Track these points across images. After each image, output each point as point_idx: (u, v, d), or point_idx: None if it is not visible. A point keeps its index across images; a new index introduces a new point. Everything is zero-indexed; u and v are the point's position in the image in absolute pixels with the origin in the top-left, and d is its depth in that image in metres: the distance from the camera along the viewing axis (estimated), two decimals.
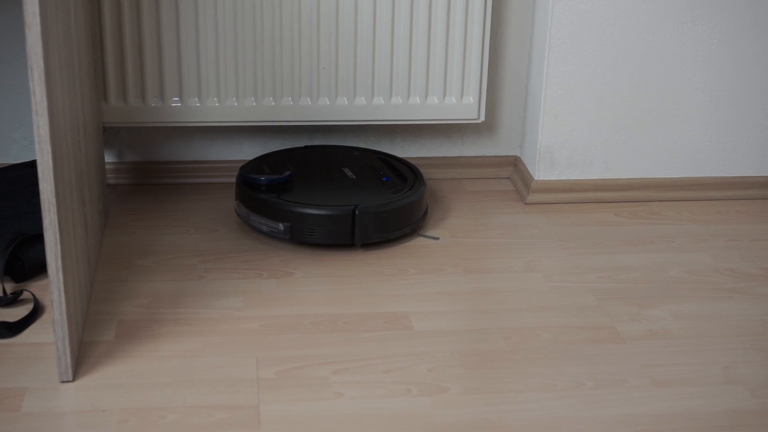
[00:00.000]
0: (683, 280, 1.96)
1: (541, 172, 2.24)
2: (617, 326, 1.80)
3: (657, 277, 1.96)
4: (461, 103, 2.21)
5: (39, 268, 1.87)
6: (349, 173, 2.11)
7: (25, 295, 1.82)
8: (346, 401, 1.58)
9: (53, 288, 1.54)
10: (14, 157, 2.26)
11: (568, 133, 2.22)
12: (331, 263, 1.97)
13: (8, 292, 1.83)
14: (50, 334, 1.71)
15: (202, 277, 1.91)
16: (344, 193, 2.05)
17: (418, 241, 2.05)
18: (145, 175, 2.29)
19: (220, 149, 2.30)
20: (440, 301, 1.86)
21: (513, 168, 2.37)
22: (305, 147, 2.25)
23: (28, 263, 1.85)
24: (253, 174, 2.05)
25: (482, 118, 2.24)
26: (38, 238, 1.86)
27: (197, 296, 1.85)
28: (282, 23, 2.11)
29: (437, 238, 2.03)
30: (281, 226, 1.97)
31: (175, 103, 2.14)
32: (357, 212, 1.97)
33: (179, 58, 2.11)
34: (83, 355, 1.66)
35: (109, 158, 2.27)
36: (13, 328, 1.72)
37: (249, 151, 2.30)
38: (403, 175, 2.13)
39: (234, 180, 2.30)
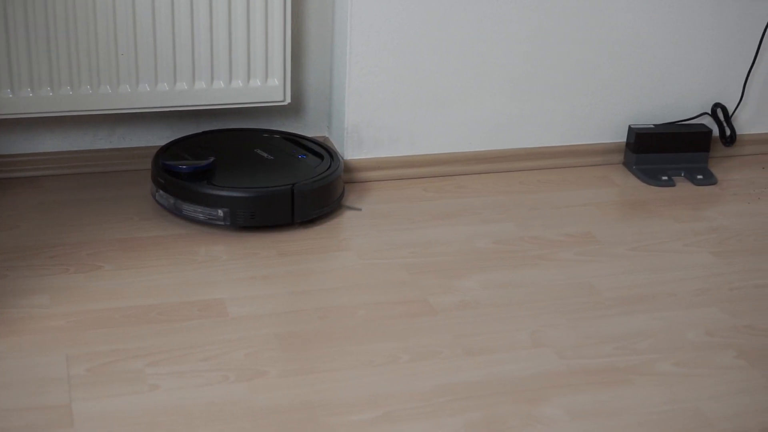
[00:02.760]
0: (490, 251, 2.01)
1: (349, 152, 2.26)
2: (429, 299, 1.83)
3: (465, 249, 2.01)
4: (266, 85, 2.20)
5: None
6: (264, 154, 2.11)
7: None
8: (163, 393, 1.55)
9: None
10: None
11: (374, 111, 2.24)
12: (141, 254, 1.93)
13: None
14: None
15: (5, 276, 1.84)
16: (272, 173, 2.05)
17: (218, 227, 2.03)
18: None
19: (18, 142, 2.21)
20: (255, 286, 1.85)
21: None
22: (203, 133, 2.23)
23: None
24: (172, 161, 2.02)
25: (288, 100, 2.23)
26: None
27: (0, 296, 1.77)
28: (76, 7, 2.04)
29: (360, 209, 2.06)
30: (221, 213, 1.94)
31: None
32: (294, 190, 1.99)
33: None
34: None
35: None
36: None
37: (49, 142, 2.22)
38: (317, 153, 2.16)
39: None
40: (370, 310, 1.79)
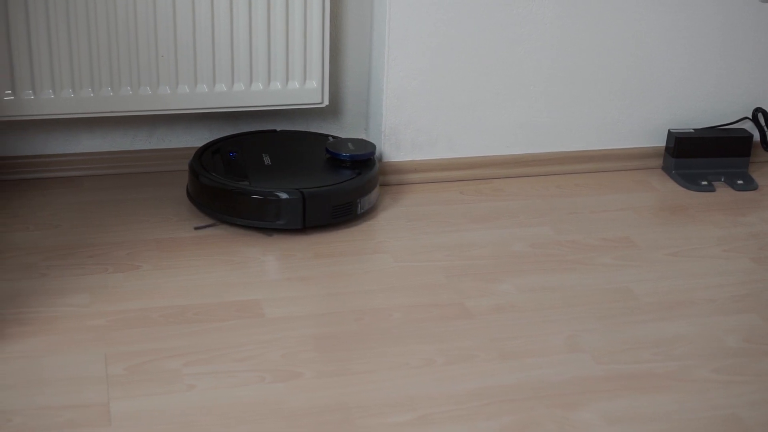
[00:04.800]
0: (527, 254, 2.00)
1: (386, 154, 2.26)
2: (465, 302, 1.83)
3: (502, 252, 2.01)
4: (304, 87, 2.21)
5: None
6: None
7: None
8: (199, 392, 1.56)
9: None
10: None
11: (412, 114, 2.24)
12: (178, 255, 1.94)
13: None
14: None
15: (45, 275, 1.86)
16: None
17: (264, 229, 2.04)
18: None
19: (58, 143, 2.24)
20: (291, 287, 1.85)
21: None
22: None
23: None
24: (335, 149, 2.10)
25: (326, 102, 2.24)
26: None
27: (40, 294, 1.79)
28: (117, 10, 2.06)
29: (214, 224, 2.03)
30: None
31: (7, 96, 2.07)
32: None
33: (9, 49, 2.04)
34: None
35: None
36: None
37: (88, 143, 2.25)
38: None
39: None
40: (405, 313, 1.79)
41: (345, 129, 2.36)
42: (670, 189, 2.31)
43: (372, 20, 2.26)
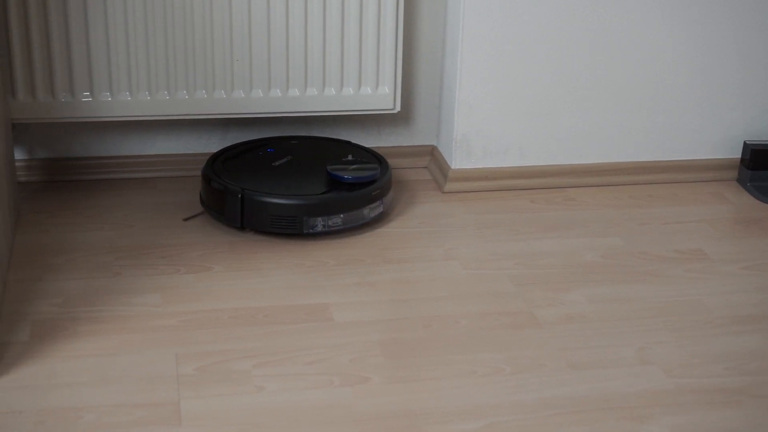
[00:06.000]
0: (597, 264, 1.99)
1: (457, 161, 2.26)
2: (534, 311, 1.82)
3: (572, 262, 1.99)
4: (377, 93, 2.22)
5: None
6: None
7: None
8: (268, 394, 1.57)
9: None
10: None
11: (483, 121, 2.24)
12: (249, 257, 1.96)
13: None
14: None
15: (118, 274, 1.88)
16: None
17: (334, 234, 2.05)
18: (56, 172, 2.25)
19: (134, 144, 2.27)
20: (360, 292, 1.86)
21: (430, 157, 2.38)
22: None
23: None
24: (338, 170, 2.05)
25: (398, 108, 2.24)
26: None
27: (113, 293, 1.82)
28: (194, 15, 2.09)
29: (202, 212, 2.06)
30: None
31: (85, 97, 2.11)
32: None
33: (88, 51, 2.07)
34: None
35: (19, 155, 2.23)
36: None
37: (163, 145, 2.28)
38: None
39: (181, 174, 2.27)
40: (473, 320, 1.79)
41: (415, 135, 2.37)
42: (744, 201, 2.28)
43: (445, 27, 2.26)
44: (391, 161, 2.32)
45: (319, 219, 2.00)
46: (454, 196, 2.25)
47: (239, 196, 1.99)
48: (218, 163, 2.11)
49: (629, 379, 1.64)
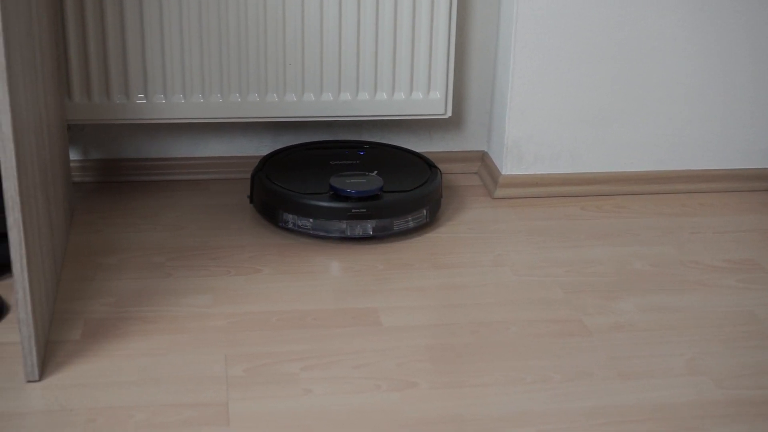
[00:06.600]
0: (648, 273, 1.97)
1: (508, 167, 2.25)
2: (584, 319, 1.81)
3: (623, 270, 1.98)
4: (428, 98, 2.22)
5: (3, 267, 1.85)
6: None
7: None
8: (316, 397, 1.58)
9: (18, 287, 1.53)
10: None
11: (535, 127, 2.23)
12: (298, 260, 1.97)
13: None
14: (16, 334, 1.70)
15: (169, 275, 1.90)
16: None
17: (384, 238, 2.05)
18: (110, 173, 2.27)
19: (186, 146, 2.29)
20: (409, 297, 1.86)
21: (480, 163, 2.38)
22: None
23: None
24: (340, 185, 2.03)
25: (449, 114, 2.24)
26: (2, 237, 1.84)
27: (164, 294, 1.84)
28: (248, 19, 2.10)
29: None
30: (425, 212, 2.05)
31: (140, 99, 2.13)
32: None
33: (143, 54, 2.10)
34: (50, 355, 1.65)
35: (74, 156, 2.26)
36: None
37: (216, 147, 2.30)
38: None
39: (207, 177, 2.29)
40: (522, 327, 1.78)
41: (466, 140, 2.36)
42: None
43: (498, 32, 2.26)
44: (442, 166, 2.32)
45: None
46: (504, 201, 2.24)
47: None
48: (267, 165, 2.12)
49: (679, 389, 1.63)
